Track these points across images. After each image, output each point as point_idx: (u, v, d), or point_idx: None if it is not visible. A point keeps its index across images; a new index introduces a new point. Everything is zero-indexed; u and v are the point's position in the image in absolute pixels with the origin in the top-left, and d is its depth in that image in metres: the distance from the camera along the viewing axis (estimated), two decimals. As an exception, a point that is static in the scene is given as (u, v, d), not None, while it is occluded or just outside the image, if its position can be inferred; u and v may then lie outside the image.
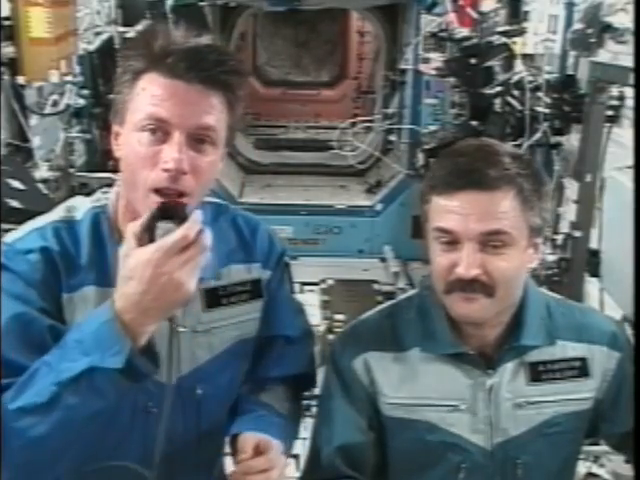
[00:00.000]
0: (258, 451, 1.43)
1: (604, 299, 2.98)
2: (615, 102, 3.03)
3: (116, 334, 1.23)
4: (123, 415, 1.40)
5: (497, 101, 4.15)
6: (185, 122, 1.33)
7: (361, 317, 1.72)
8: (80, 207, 1.49)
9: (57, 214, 1.48)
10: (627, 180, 2.81)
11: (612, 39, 2.95)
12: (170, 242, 1.22)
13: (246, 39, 8.63)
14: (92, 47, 4.04)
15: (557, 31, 3.68)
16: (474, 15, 4.25)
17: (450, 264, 1.48)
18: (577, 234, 3.28)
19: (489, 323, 1.56)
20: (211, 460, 1.65)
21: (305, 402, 1.80)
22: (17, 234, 1.44)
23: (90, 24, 4.16)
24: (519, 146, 3.57)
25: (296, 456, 2.10)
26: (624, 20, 2.86)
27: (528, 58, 3.98)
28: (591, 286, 3.23)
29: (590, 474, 2.59)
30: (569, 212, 3.41)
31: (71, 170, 3.90)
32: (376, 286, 5.77)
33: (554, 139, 3.61)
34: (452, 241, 1.47)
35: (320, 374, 1.75)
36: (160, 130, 1.33)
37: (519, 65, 3.95)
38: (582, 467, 2.59)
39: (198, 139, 1.36)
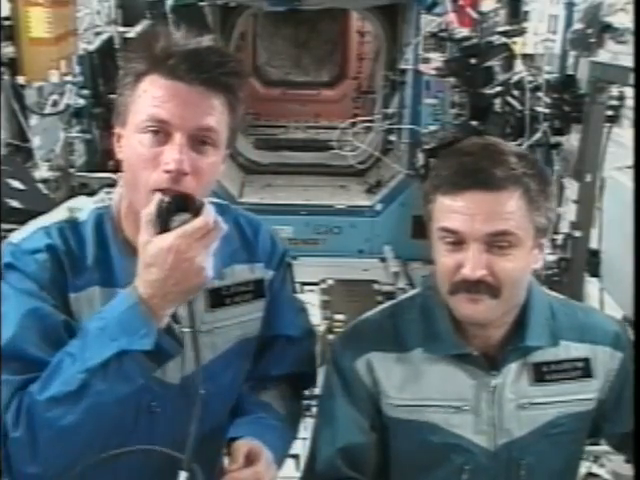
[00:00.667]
0: (249, 460, 1.44)
1: (604, 299, 2.99)
2: (615, 102, 3.04)
3: (142, 318, 1.28)
4: (127, 415, 1.40)
5: (497, 101, 4.15)
6: (186, 123, 1.34)
7: (362, 317, 1.71)
8: (83, 208, 1.49)
9: (61, 215, 1.48)
10: (627, 180, 2.81)
11: (612, 39, 2.96)
12: (192, 229, 1.27)
13: (246, 39, 8.63)
14: (92, 47, 4.03)
15: (557, 31, 3.68)
16: (474, 15, 4.25)
17: (455, 265, 1.46)
18: (577, 234, 3.28)
19: (493, 324, 1.55)
20: (212, 460, 1.65)
21: (305, 402, 1.80)
22: (22, 234, 1.45)
23: (90, 24, 4.16)
24: (519, 146, 3.57)
25: (296, 456, 2.10)
26: (624, 20, 2.87)
27: (528, 58, 3.98)
28: (591, 286, 3.23)
29: (590, 474, 2.59)
30: (569, 212, 3.41)
31: (71, 170, 3.90)
32: (376, 286, 5.77)
33: (554, 139, 3.61)
34: (457, 241, 1.46)
35: (320, 374, 1.75)
36: (161, 131, 1.34)
37: (519, 65, 3.95)
38: (582, 467, 2.59)
39: (199, 140, 1.36)
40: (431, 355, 1.58)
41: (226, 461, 1.50)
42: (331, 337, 4.44)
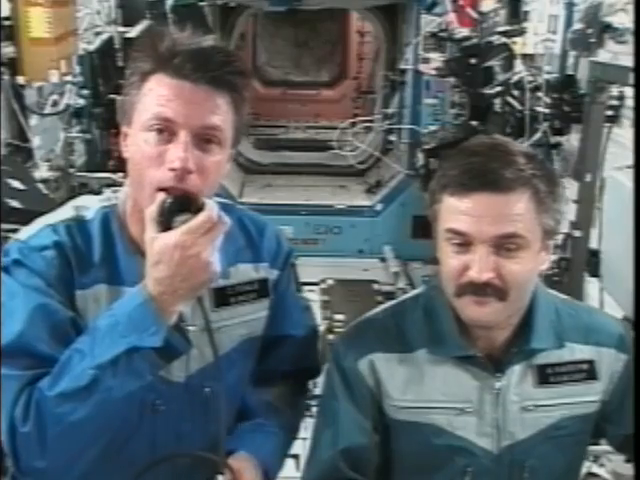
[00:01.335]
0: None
1: (604, 299, 2.98)
2: (615, 102, 3.03)
3: (152, 315, 1.30)
4: (133, 411, 1.41)
5: (497, 101, 4.16)
6: (191, 122, 1.34)
7: (365, 316, 1.69)
8: (90, 206, 1.50)
9: (67, 213, 1.49)
10: (627, 180, 2.81)
11: (612, 39, 2.96)
12: (196, 224, 1.28)
13: (246, 39, 8.64)
14: (92, 47, 4.03)
15: (557, 31, 3.68)
16: (474, 15, 4.25)
17: (462, 266, 1.44)
18: (577, 234, 3.28)
19: (498, 326, 1.53)
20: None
21: (305, 402, 1.80)
22: (29, 231, 1.45)
23: (90, 24, 4.16)
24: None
25: (296, 456, 2.09)
26: (624, 20, 2.87)
27: (528, 58, 3.99)
28: (591, 286, 3.23)
29: (590, 474, 2.59)
30: (569, 212, 3.41)
31: (71, 170, 3.90)
32: (376, 286, 5.77)
33: (554, 139, 3.61)
34: (464, 243, 1.44)
35: (320, 375, 1.75)
36: (166, 130, 1.35)
37: (519, 65, 3.96)
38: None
39: (204, 139, 1.37)
40: (435, 356, 1.57)
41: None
42: (331, 337, 4.44)
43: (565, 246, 3.39)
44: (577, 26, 3.26)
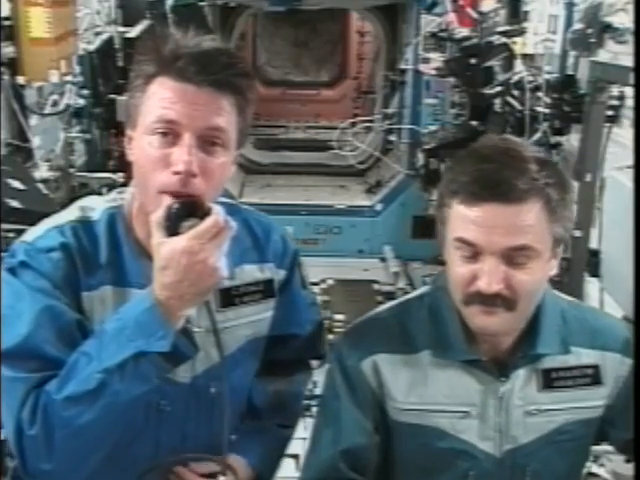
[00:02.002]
0: None
1: (604, 299, 2.98)
2: (615, 102, 3.03)
3: (159, 320, 1.30)
4: (138, 413, 1.41)
5: (497, 101, 4.16)
6: (195, 123, 1.34)
7: (369, 315, 1.67)
8: (96, 207, 1.50)
9: (73, 214, 1.49)
10: (627, 180, 2.81)
11: (612, 39, 2.96)
12: (203, 229, 1.29)
13: (246, 39, 8.65)
14: (92, 47, 4.03)
15: (557, 31, 3.68)
16: (474, 15, 4.26)
17: (470, 275, 1.41)
18: (577, 234, 3.28)
19: (505, 332, 1.52)
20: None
21: (305, 402, 1.82)
22: (36, 232, 1.45)
23: (90, 24, 4.16)
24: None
25: (296, 456, 2.09)
26: (624, 20, 2.87)
27: (528, 58, 3.99)
28: (591, 286, 3.22)
29: (590, 474, 2.59)
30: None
31: (71, 170, 3.89)
32: (376, 286, 5.78)
33: (554, 139, 3.61)
34: (473, 252, 1.41)
35: (320, 374, 1.75)
36: (171, 133, 1.35)
37: (519, 65, 3.96)
38: (582, 467, 2.59)
39: (209, 141, 1.37)
40: (439, 359, 1.56)
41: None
42: (331, 337, 4.44)
43: (565, 246, 3.38)
44: (577, 26, 3.26)
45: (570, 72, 3.55)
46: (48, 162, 3.50)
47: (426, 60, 5.18)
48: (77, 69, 3.79)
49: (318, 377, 1.79)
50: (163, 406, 1.48)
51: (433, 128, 5.65)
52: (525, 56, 3.98)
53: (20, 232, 2.38)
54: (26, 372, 1.33)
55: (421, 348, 1.57)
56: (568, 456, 1.60)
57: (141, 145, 1.38)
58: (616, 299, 2.92)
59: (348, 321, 4.73)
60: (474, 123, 4.55)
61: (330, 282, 5.72)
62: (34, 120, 3.38)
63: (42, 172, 3.36)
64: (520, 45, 4.00)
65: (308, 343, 1.76)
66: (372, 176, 7.10)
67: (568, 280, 3.32)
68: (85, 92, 3.91)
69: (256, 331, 1.61)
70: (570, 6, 3.50)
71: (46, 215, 1.53)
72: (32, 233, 1.46)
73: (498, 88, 4.04)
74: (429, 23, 5.15)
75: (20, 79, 3.13)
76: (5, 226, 2.48)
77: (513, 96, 3.93)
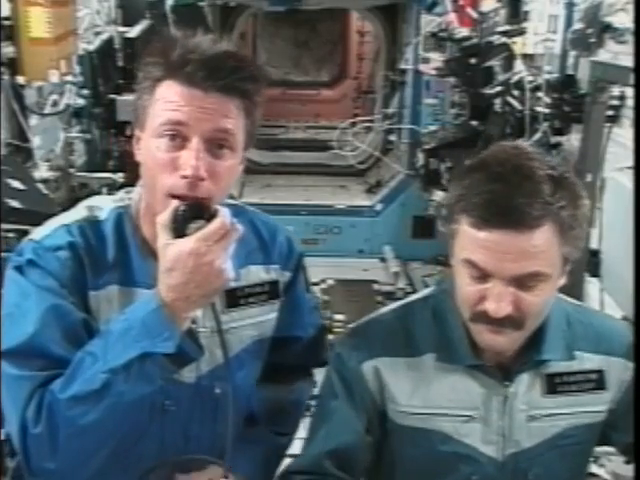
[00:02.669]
0: None
1: (604, 299, 2.98)
2: (615, 102, 3.03)
3: (165, 321, 1.30)
4: (143, 414, 1.41)
5: (497, 101, 4.16)
6: (203, 125, 1.34)
7: (371, 316, 1.65)
8: (103, 207, 1.50)
9: (80, 213, 1.49)
10: (627, 180, 2.81)
11: (612, 39, 2.96)
12: (210, 231, 1.29)
13: (246, 39, 8.65)
14: (92, 47, 4.03)
15: (557, 31, 3.68)
16: (474, 15, 4.25)
17: (478, 296, 1.40)
18: (577, 234, 3.27)
19: (513, 349, 1.52)
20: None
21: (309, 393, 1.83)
22: (43, 231, 1.45)
23: (90, 24, 4.16)
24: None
25: (296, 456, 2.09)
26: (624, 20, 2.87)
27: (528, 58, 3.99)
28: (591, 286, 3.22)
29: (590, 474, 2.59)
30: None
31: (71, 170, 3.89)
32: (376, 286, 5.77)
33: (554, 139, 3.61)
34: (482, 274, 1.38)
35: (320, 374, 1.75)
36: (179, 136, 1.35)
37: (519, 65, 3.96)
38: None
39: (216, 144, 1.37)
40: (443, 363, 1.54)
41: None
42: (331, 337, 4.44)
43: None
44: (577, 26, 3.26)
45: (570, 72, 3.55)
46: (48, 162, 3.50)
47: (426, 60, 5.19)
48: (77, 69, 3.79)
49: (318, 377, 1.79)
50: (167, 406, 1.48)
51: (433, 128, 5.65)
52: (525, 56, 3.98)
53: (20, 232, 2.39)
54: (31, 371, 1.33)
55: (424, 351, 1.56)
56: (570, 460, 1.60)
57: (149, 147, 1.38)
58: (616, 299, 2.92)
59: (348, 321, 4.73)
60: (474, 123, 4.55)
61: (330, 282, 5.72)
62: (34, 120, 3.38)
63: (42, 172, 3.36)
64: (520, 45, 4.00)
65: (310, 347, 1.75)
66: (372, 176, 7.10)
67: (568, 280, 3.32)
68: (85, 92, 3.91)
69: (261, 332, 1.61)
70: (570, 6, 3.50)
71: (46, 215, 1.53)
72: (40, 232, 1.46)
73: (498, 88, 4.04)
74: (429, 23, 5.15)
75: (20, 79, 3.13)
76: (5, 226, 2.48)
77: (513, 96, 3.93)
